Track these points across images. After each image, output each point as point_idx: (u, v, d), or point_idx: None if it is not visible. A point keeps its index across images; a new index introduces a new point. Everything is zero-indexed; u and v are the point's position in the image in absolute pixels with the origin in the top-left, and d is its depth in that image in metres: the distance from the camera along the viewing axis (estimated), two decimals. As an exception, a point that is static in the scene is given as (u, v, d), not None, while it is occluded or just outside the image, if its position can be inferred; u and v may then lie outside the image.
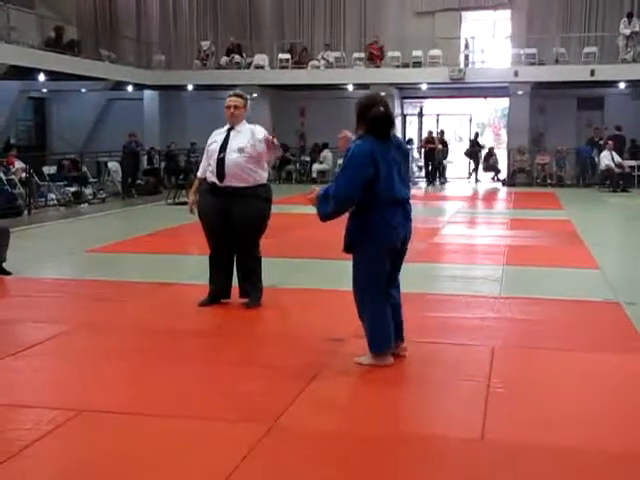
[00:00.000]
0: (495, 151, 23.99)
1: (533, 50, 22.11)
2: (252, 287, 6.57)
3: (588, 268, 8.57)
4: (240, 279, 6.62)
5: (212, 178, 6.38)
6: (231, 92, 6.55)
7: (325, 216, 4.79)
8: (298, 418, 4.00)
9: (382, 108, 4.73)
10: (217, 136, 6.51)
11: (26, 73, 18.90)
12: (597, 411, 4.21)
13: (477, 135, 25.22)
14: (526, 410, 4.15)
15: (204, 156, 6.60)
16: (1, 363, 5.01)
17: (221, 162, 6.28)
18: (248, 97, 6.66)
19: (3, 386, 4.63)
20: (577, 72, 20.98)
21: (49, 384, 4.71)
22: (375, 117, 4.71)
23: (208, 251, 6.68)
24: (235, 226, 6.36)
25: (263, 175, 6.45)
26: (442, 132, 24.56)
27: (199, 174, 6.67)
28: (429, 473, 3.40)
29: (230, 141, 6.34)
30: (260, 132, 6.34)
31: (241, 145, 6.28)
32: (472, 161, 24.22)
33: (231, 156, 6.27)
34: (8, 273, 8.12)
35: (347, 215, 4.84)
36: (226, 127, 6.51)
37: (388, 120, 4.77)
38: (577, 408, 4.24)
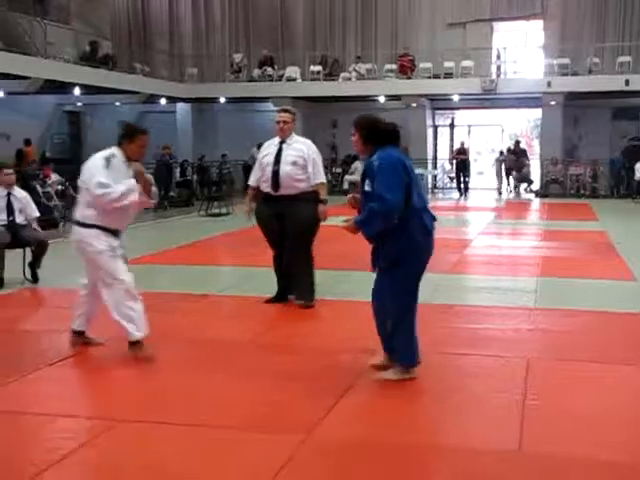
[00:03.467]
0: (527, 162, 23.76)
1: (566, 60, 21.96)
2: (306, 288, 7.00)
3: (624, 280, 8.48)
4: (294, 281, 7.07)
5: (267, 188, 6.85)
6: (279, 107, 7.15)
7: (374, 234, 4.75)
8: (333, 430, 4.01)
9: (385, 121, 4.94)
10: (269, 148, 6.98)
11: (62, 87, 19.20)
12: (634, 424, 4.16)
13: (518, 143, 24.89)
14: (563, 422, 4.12)
15: (256, 166, 7.09)
16: (40, 373, 5.08)
17: (275, 174, 6.77)
18: (296, 111, 7.20)
19: (42, 395, 4.71)
20: (611, 82, 20.78)
21: (87, 394, 4.78)
22: (388, 128, 4.85)
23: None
24: (289, 230, 6.84)
25: (311, 182, 6.87)
26: (462, 144, 24.38)
27: (251, 183, 7.13)
28: (465, 485, 3.39)
29: (283, 154, 6.80)
30: (311, 147, 6.95)
31: (293, 158, 6.77)
32: (514, 172, 23.77)
33: (285, 168, 6.75)
34: (36, 280, 8.31)
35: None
36: (277, 140, 6.94)
37: (398, 131, 4.93)
38: (614, 420, 4.19)
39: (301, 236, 6.89)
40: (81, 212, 5.37)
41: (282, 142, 6.90)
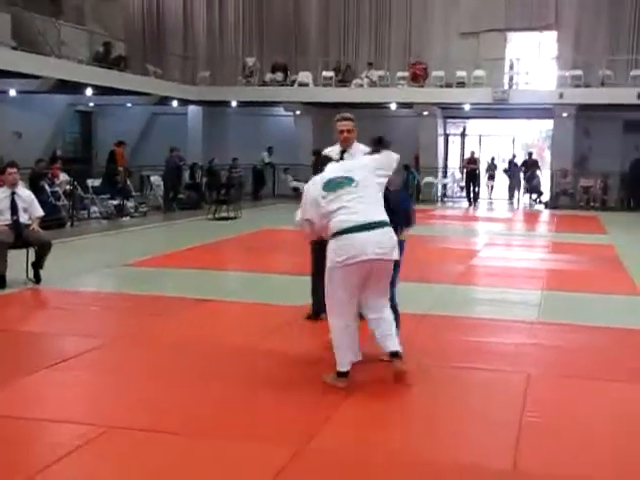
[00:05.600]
0: (538, 173, 23.66)
1: (579, 72, 21.90)
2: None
3: (630, 295, 8.41)
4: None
5: None
6: (339, 116, 6.42)
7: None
8: (327, 443, 3.96)
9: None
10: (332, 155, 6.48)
11: (74, 87, 19.24)
12: (633, 445, 4.10)
13: (531, 154, 24.79)
14: (560, 441, 4.07)
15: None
16: (36, 376, 5.06)
17: None
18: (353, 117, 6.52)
19: (38, 399, 4.69)
20: (624, 95, 20.70)
21: (82, 398, 4.74)
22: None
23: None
24: None
25: None
26: (472, 153, 24.31)
27: None
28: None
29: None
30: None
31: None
32: (525, 182, 23.62)
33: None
34: (39, 280, 8.30)
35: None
36: (338, 149, 6.38)
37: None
38: (611, 441, 4.14)
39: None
40: None
41: (344, 151, 6.35)
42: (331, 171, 5.06)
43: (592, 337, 6.48)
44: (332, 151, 6.34)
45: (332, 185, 4.90)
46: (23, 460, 3.73)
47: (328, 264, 4.85)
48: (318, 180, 5.02)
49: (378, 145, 5.29)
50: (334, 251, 4.76)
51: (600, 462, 3.82)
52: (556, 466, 3.73)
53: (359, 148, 6.27)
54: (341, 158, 6.26)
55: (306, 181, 5.33)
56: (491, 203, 24.12)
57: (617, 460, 3.86)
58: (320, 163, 5.30)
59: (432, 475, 3.64)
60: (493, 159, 25.21)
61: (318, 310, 6.64)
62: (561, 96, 21.52)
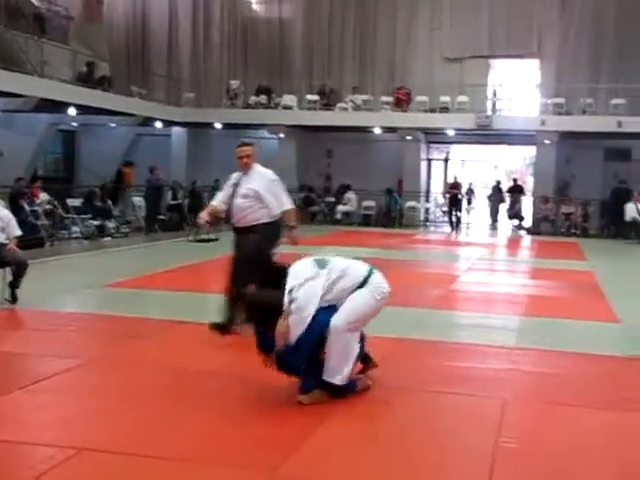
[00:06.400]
0: (521, 198, 23.80)
1: (561, 100, 22.14)
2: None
3: (608, 322, 8.43)
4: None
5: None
6: (240, 142, 7.28)
7: None
8: (297, 470, 3.92)
9: None
10: (233, 180, 7.20)
11: (57, 106, 19.20)
12: (608, 470, 4.09)
13: (516, 180, 24.99)
14: (535, 467, 4.05)
15: (224, 191, 7.28)
16: (10, 397, 4.99)
17: (230, 207, 7.07)
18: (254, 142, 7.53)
19: (9, 421, 4.61)
20: (604, 123, 20.92)
21: (54, 420, 4.67)
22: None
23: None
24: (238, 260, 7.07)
25: (272, 212, 7.01)
26: (455, 178, 24.47)
27: (215, 203, 7.34)
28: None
29: (240, 188, 7.02)
30: (269, 177, 7.09)
31: (245, 191, 6.96)
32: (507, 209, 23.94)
33: (237, 201, 6.98)
34: (15, 300, 8.24)
35: None
36: (239, 173, 7.16)
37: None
38: (587, 467, 4.12)
39: (246, 266, 6.84)
40: None
41: (243, 174, 7.09)
42: (303, 270, 5.04)
43: (570, 363, 6.48)
44: (235, 176, 7.16)
45: (321, 263, 5.07)
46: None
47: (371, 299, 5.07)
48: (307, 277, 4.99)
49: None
50: (373, 292, 5.08)
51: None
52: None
53: (257, 169, 7.09)
54: (238, 182, 7.07)
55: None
56: (473, 228, 24.20)
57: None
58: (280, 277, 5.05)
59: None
60: (470, 184, 25.40)
61: (229, 324, 6.96)
62: (543, 123, 21.72)
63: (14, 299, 8.25)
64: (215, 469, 3.86)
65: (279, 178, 7.14)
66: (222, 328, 6.94)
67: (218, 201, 7.23)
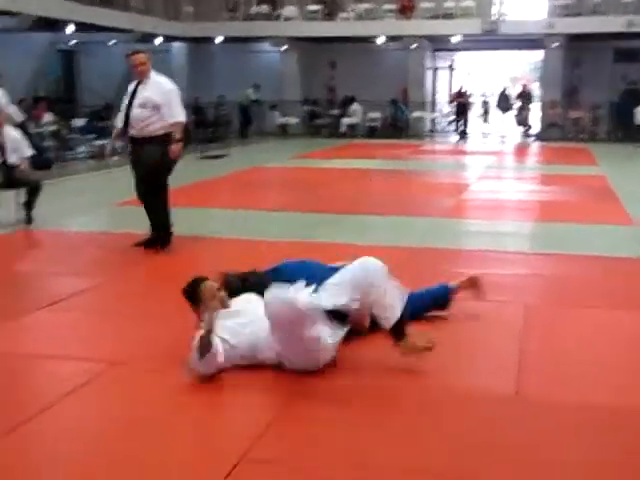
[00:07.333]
0: (529, 105, 23.47)
1: (569, 0, 21.57)
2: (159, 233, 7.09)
3: (622, 224, 8.42)
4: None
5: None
6: (131, 51, 7.18)
7: None
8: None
9: None
10: (128, 89, 7.06)
11: (55, 24, 18.80)
12: (630, 368, 4.15)
13: (525, 86, 24.48)
14: (559, 366, 4.10)
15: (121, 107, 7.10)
16: (35, 315, 5.05)
17: (127, 117, 6.89)
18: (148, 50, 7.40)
19: (39, 338, 4.68)
20: (614, 23, 20.42)
21: (82, 336, 4.73)
22: None
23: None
24: (140, 172, 7.01)
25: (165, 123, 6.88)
26: (461, 87, 24.09)
27: (116, 124, 7.23)
28: (463, 428, 3.36)
29: (136, 96, 6.89)
30: (166, 86, 6.97)
31: (142, 100, 6.83)
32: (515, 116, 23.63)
33: (134, 111, 6.82)
34: (30, 221, 8.26)
35: None
36: (135, 82, 7.02)
37: None
38: (610, 364, 4.17)
39: (149, 178, 6.91)
40: None
41: (139, 83, 6.95)
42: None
43: (586, 266, 6.50)
44: (131, 85, 7.00)
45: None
46: (29, 396, 3.75)
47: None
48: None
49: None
50: None
51: (597, 385, 3.87)
52: (557, 391, 3.77)
53: (154, 78, 6.97)
54: (135, 90, 6.92)
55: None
56: (480, 137, 23.98)
57: (617, 383, 3.90)
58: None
59: (435, 402, 3.67)
60: (484, 95, 25.04)
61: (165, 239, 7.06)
62: (551, 26, 21.23)
63: (29, 220, 8.27)
64: (247, 387, 3.90)
65: (176, 87, 7.04)
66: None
67: (120, 120, 7.07)
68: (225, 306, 4.00)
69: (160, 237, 7.04)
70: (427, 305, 4.83)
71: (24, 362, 4.17)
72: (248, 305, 4.05)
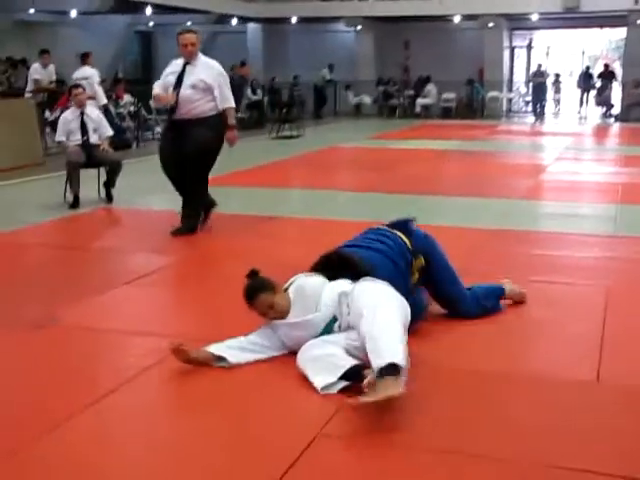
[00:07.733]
0: (611, 85, 22.79)
1: (654, -25, 20.83)
2: (189, 214, 6.93)
3: None
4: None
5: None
6: (181, 29, 6.84)
7: None
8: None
9: None
10: (173, 68, 6.82)
11: (133, 7, 19.12)
12: None
13: (607, 66, 23.90)
14: (643, 355, 3.99)
15: (160, 82, 6.88)
16: (117, 291, 5.16)
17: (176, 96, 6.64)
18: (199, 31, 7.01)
19: (119, 313, 4.80)
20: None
21: (161, 313, 4.83)
22: None
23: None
24: (184, 153, 6.72)
25: (218, 107, 6.74)
26: (539, 66, 23.52)
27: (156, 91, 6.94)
28: (542, 413, 3.31)
29: (185, 77, 6.66)
30: (217, 69, 6.78)
31: (193, 81, 6.61)
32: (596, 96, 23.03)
33: (185, 92, 6.60)
34: (111, 199, 8.46)
35: None
36: (182, 61, 6.77)
37: None
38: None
39: (195, 161, 6.68)
40: None
41: (187, 63, 6.71)
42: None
43: (672, 250, 6.29)
44: (176, 62, 6.76)
45: None
46: (105, 370, 3.84)
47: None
48: None
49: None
50: None
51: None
52: (638, 378, 3.66)
53: (203, 59, 6.78)
54: (183, 70, 6.66)
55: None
56: (559, 117, 23.43)
57: None
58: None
59: (514, 386, 3.62)
60: (557, 74, 24.44)
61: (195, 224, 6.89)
62: (636, 2, 20.53)
63: (110, 198, 8.48)
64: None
65: (224, 72, 6.87)
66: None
67: (158, 86, 6.82)
68: (282, 317, 3.92)
69: (183, 223, 6.88)
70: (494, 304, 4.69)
71: (111, 336, 4.28)
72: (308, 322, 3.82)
